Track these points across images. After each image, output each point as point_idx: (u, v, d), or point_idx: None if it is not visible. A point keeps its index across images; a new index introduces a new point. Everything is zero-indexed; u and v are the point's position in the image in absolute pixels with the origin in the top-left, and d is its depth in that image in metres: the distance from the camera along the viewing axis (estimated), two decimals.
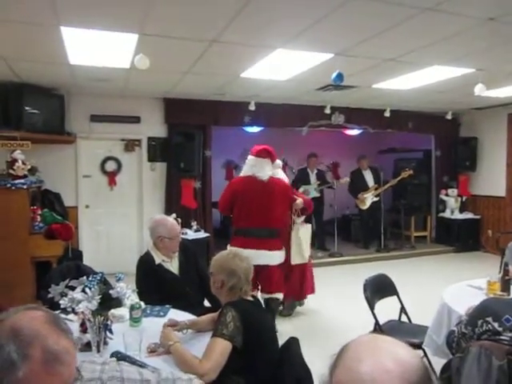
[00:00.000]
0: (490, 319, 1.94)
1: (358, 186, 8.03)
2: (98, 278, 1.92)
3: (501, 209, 8.01)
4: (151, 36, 3.68)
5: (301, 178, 7.80)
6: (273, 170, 4.21)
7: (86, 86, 5.83)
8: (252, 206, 4.13)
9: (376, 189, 7.88)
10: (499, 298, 2.47)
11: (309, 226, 4.76)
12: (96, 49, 4.09)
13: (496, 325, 1.92)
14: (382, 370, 0.79)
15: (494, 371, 1.82)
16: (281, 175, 4.51)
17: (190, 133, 6.66)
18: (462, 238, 8.27)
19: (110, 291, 1.90)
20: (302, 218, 4.69)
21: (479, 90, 4.91)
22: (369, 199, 7.85)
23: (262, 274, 4.06)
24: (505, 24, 3.40)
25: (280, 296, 4.36)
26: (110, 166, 6.72)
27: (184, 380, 1.37)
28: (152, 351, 2.06)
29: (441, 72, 5.02)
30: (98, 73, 5.00)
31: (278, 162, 4.40)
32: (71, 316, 2.17)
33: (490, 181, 8.24)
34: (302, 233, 4.48)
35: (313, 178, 7.80)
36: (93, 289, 1.84)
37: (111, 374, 1.24)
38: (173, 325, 2.26)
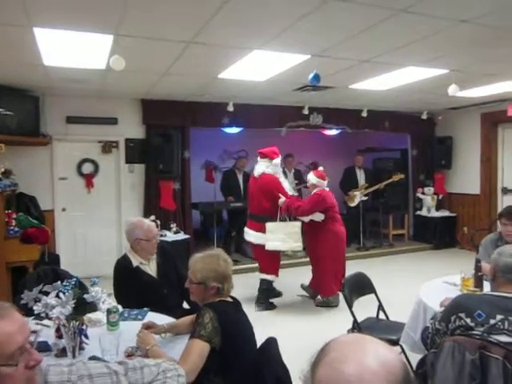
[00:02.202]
0: (462, 315, 1.99)
1: (349, 183, 8.18)
2: (73, 282, 1.89)
3: (475, 206, 8.19)
4: (127, 37, 3.64)
5: None
6: (272, 169, 5.06)
7: (62, 87, 5.74)
8: (249, 195, 5.40)
9: (366, 188, 8.00)
10: (472, 294, 2.52)
11: (284, 223, 5.04)
12: (70, 50, 4.03)
13: (468, 320, 1.96)
14: (369, 372, 0.79)
15: (466, 365, 1.87)
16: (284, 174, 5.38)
17: (168, 134, 6.62)
18: (438, 236, 8.42)
19: (85, 296, 1.87)
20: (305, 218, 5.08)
21: (452, 90, 5.02)
22: (358, 197, 7.97)
23: (253, 251, 5.41)
24: (476, 26, 3.48)
25: (264, 277, 5.13)
26: (87, 168, 6.62)
27: (151, 365, 1.38)
28: (129, 355, 2.04)
29: (416, 73, 5.10)
30: (74, 74, 4.93)
31: (275, 161, 5.08)
32: (46, 321, 2.14)
33: (464, 179, 8.43)
34: (269, 225, 5.00)
35: (290, 177, 7.85)
36: (67, 293, 1.81)
37: (80, 373, 1.24)
38: (150, 326, 2.24)
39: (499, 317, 1.91)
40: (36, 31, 3.48)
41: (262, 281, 5.18)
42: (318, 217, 5.01)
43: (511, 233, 3.24)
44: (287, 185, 5.28)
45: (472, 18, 3.33)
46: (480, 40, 3.88)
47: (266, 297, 5.18)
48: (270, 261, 5.14)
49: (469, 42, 3.96)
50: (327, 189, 5.15)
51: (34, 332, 1.28)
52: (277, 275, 5.22)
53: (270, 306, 5.16)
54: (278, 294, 5.37)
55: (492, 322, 1.91)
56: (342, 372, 0.80)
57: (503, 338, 1.87)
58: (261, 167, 5.11)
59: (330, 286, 5.07)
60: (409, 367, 0.86)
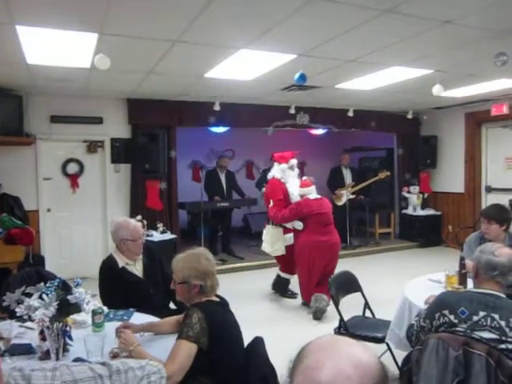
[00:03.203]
0: (446, 312, 2.01)
1: (336, 182, 8.25)
2: (56, 283, 1.87)
3: (460, 205, 8.30)
4: (111, 36, 3.61)
5: (265, 178, 7.85)
6: (280, 173, 5.22)
7: (46, 86, 5.66)
8: None
9: (353, 187, 8.06)
10: (455, 291, 2.55)
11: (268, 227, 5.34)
12: (54, 48, 3.98)
13: (452, 317, 1.99)
14: (343, 377, 0.79)
15: (450, 362, 1.89)
16: (293, 179, 5.28)
17: (154, 133, 6.57)
18: (424, 234, 8.50)
19: (68, 297, 1.85)
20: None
21: (437, 90, 5.07)
22: (344, 196, 8.02)
23: None
24: (460, 27, 3.52)
25: (283, 275, 5.47)
26: (72, 168, 6.54)
27: (136, 369, 1.37)
28: (114, 356, 2.03)
29: (401, 73, 5.15)
30: (58, 73, 4.87)
31: (282, 166, 5.24)
32: (30, 324, 2.11)
33: (449, 178, 8.53)
34: (267, 227, 5.37)
35: None
36: (50, 295, 1.79)
37: (64, 379, 1.22)
38: (127, 327, 2.22)
39: (482, 313, 1.93)
40: (18, 29, 3.43)
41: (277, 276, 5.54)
42: (298, 225, 5.01)
43: (489, 231, 3.29)
44: (294, 189, 5.14)
45: (455, 19, 3.38)
46: (463, 40, 3.93)
47: (284, 289, 5.51)
48: (285, 261, 5.32)
49: (452, 43, 4.01)
50: (313, 196, 5.03)
51: (2, 339, 1.26)
52: (292, 274, 5.42)
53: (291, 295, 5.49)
54: (292, 296, 5.50)
55: (475, 318, 1.93)
56: (317, 381, 0.80)
57: (486, 335, 1.90)
58: (272, 171, 5.39)
59: (303, 291, 5.09)
60: (386, 367, 0.85)
